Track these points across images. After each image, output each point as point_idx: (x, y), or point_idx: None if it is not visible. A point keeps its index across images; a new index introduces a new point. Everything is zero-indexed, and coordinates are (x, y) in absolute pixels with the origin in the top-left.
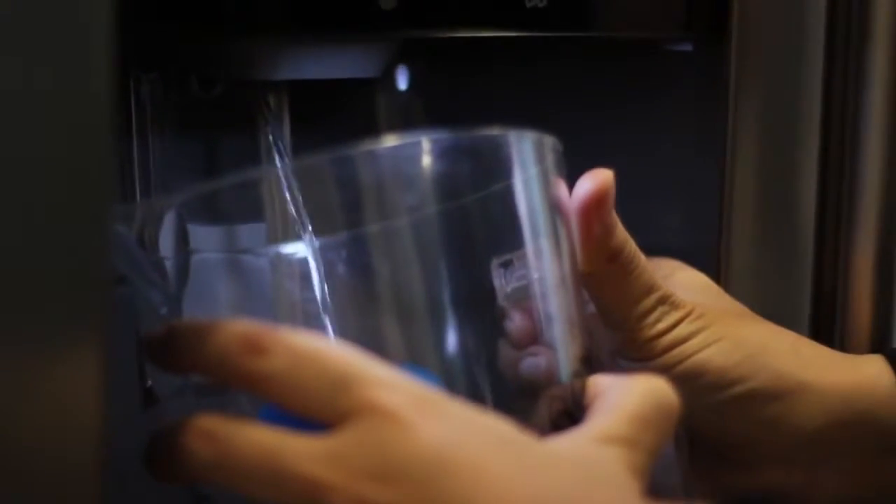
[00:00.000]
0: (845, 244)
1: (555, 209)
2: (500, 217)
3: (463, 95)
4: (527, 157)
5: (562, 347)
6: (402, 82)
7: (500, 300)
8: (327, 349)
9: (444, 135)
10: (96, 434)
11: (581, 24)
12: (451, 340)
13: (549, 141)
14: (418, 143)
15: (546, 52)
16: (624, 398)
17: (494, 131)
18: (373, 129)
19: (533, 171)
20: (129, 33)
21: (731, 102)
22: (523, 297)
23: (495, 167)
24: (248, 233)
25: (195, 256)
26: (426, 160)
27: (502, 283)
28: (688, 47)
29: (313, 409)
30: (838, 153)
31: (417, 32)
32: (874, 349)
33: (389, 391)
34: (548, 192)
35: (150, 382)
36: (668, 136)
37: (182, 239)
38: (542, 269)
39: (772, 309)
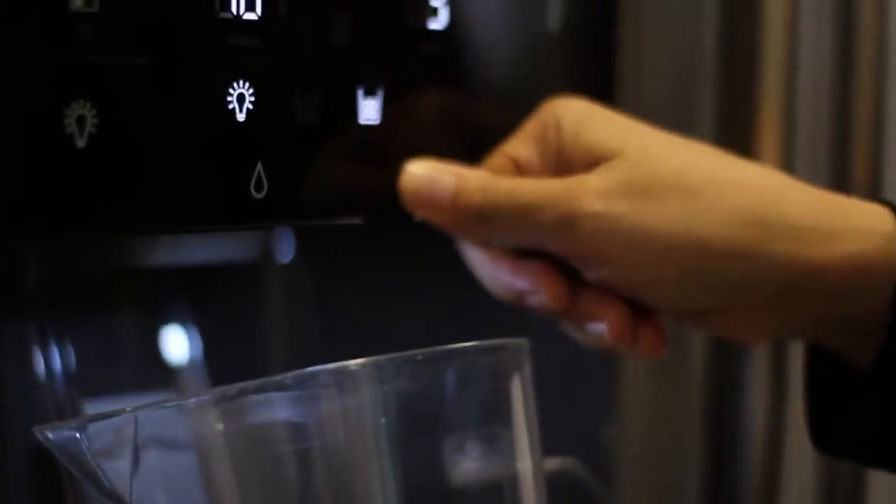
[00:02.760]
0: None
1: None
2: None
3: (351, 275)
4: (510, 363)
5: None
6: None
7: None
8: None
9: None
10: None
11: None
12: None
13: (525, 346)
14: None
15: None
16: None
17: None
18: (260, 310)
19: (516, 377)
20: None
21: None
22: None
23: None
24: None
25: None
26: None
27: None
28: None
29: None
30: None
31: (289, 221)
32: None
33: None
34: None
35: None
36: None
37: (135, 448)
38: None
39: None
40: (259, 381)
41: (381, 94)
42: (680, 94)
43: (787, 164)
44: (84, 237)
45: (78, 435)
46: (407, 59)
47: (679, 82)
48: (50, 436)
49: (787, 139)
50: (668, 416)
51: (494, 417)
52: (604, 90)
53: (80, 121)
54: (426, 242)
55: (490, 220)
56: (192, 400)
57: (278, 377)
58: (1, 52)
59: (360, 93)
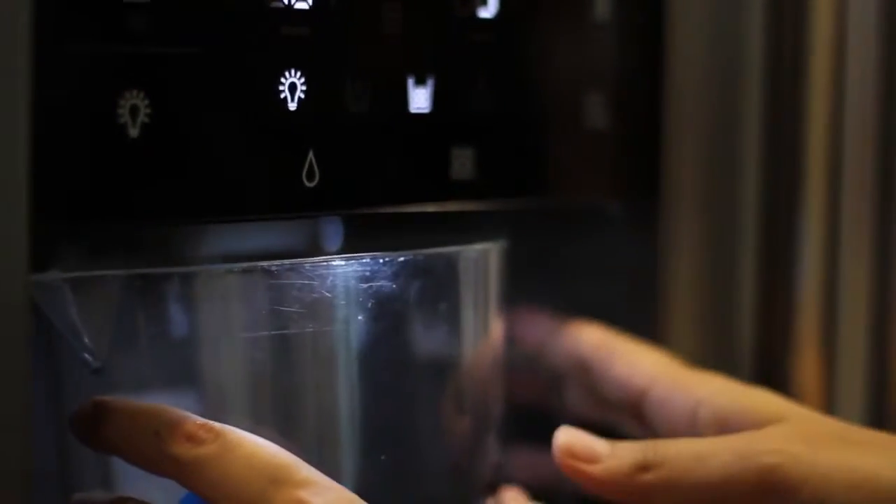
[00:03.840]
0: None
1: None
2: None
3: None
4: (483, 262)
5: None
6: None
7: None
8: (261, 445)
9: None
10: None
11: (509, 193)
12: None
13: (499, 248)
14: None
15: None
16: None
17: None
18: None
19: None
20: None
21: (661, 262)
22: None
23: (443, 283)
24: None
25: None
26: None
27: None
28: (617, 210)
29: (243, 501)
30: (771, 308)
31: (341, 209)
32: None
33: (318, 494)
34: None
35: None
36: (602, 291)
37: (119, 308)
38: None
39: None
40: (245, 265)
41: (431, 83)
42: (727, 82)
43: (836, 154)
44: (136, 227)
45: (63, 288)
46: (457, 49)
47: (727, 72)
48: (35, 285)
49: (835, 134)
50: None
51: (463, 311)
52: (652, 80)
53: (133, 111)
54: (472, 232)
55: None
56: (179, 270)
57: (265, 264)
58: (54, 42)
59: (410, 82)
